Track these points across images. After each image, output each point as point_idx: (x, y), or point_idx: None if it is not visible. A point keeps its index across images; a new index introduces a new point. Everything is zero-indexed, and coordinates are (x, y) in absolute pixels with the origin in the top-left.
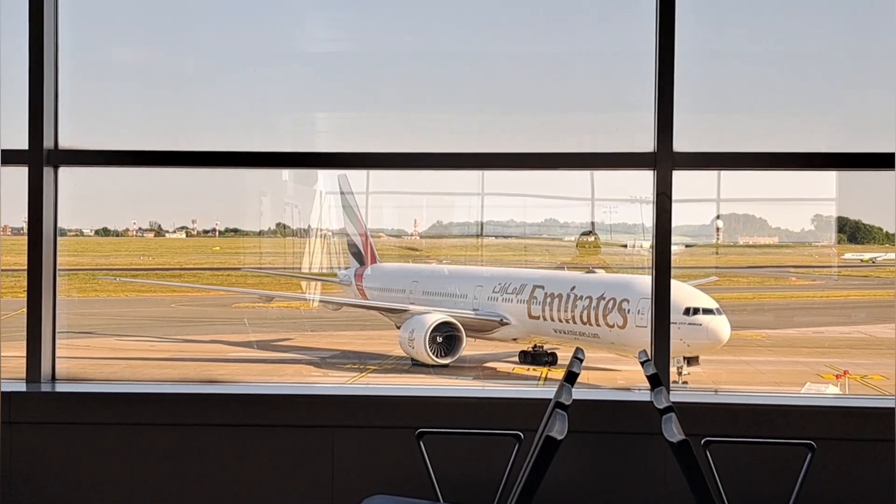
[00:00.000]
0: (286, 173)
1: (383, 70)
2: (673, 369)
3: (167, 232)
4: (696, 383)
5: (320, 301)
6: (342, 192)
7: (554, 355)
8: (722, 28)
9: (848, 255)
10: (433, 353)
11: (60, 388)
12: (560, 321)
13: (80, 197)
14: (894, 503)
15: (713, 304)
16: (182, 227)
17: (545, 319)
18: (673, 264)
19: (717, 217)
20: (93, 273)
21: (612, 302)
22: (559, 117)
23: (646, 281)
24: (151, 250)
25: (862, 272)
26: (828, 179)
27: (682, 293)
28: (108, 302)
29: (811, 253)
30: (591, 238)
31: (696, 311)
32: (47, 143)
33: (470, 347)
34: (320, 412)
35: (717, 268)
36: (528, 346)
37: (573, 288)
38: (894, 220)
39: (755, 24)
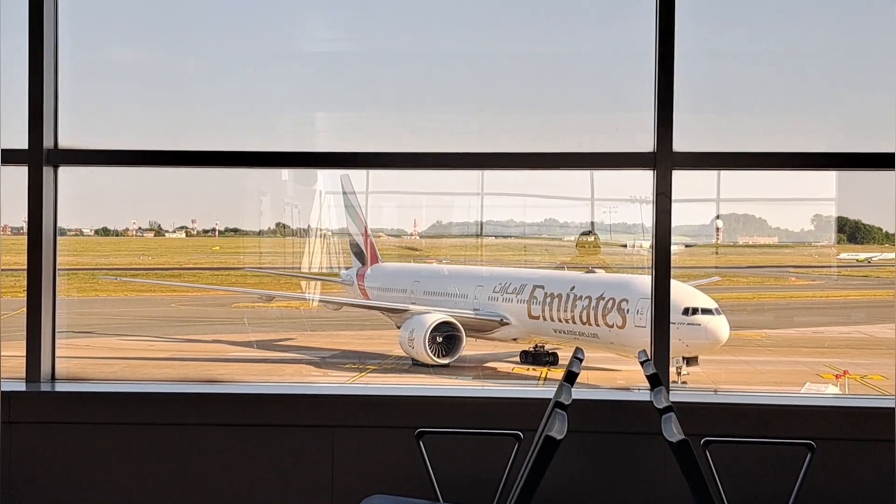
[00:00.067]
0: (286, 173)
1: (383, 70)
2: (672, 369)
3: (167, 232)
4: (695, 383)
5: (320, 301)
6: (344, 192)
7: (555, 355)
8: (722, 28)
9: (843, 255)
10: (433, 353)
11: (60, 387)
12: (560, 321)
13: (79, 196)
14: (894, 503)
15: (712, 304)
16: (182, 227)
17: (545, 319)
18: (672, 264)
19: (717, 217)
20: (93, 273)
21: (611, 302)
22: (559, 117)
23: (645, 281)
24: (151, 250)
25: (862, 272)
26: (828, 179)
27: (682, 293)
28: (107, 302)
29: (811, 253)
30: (591, 238)
31: (694, 311)
32: (47, 142)
33: (470, 347)
34: (320, 412)
35: (716, 268)
36: (529, 346)
37: (573, 288)
38: (894, 221)
39: (755, 24)
